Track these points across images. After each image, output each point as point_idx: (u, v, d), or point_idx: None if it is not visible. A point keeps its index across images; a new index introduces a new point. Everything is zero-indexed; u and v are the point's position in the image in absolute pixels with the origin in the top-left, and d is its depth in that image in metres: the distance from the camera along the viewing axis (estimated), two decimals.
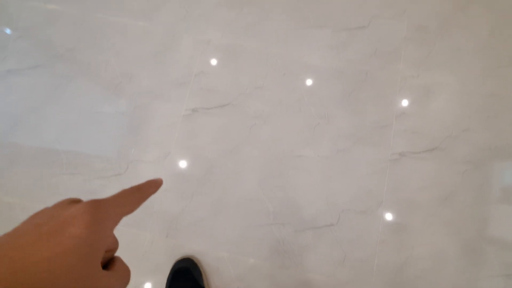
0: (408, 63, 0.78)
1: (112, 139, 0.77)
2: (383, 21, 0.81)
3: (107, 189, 0.74)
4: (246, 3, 0.84)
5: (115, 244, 0.19)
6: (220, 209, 0.73)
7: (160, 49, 0.82)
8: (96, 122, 0.78)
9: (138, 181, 0.69)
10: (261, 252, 0.70)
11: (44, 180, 0.75)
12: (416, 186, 0.72)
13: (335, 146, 0.75)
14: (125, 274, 0.19)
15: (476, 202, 0.70)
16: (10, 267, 0.13)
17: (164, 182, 0.74)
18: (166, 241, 0.71)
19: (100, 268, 0.16)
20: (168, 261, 0.70)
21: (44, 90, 0.80)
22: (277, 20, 0.82)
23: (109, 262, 0.19)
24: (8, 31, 0.85)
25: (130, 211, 0.19)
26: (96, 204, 0.16)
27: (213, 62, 0.81)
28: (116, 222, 0.18)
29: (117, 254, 0.20)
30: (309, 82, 0.79)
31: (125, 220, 0.72)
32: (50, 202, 0.67)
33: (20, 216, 0.74)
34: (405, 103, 0.76)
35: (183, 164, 0.75)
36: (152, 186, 0.22)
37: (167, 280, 0.67)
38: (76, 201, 0.17)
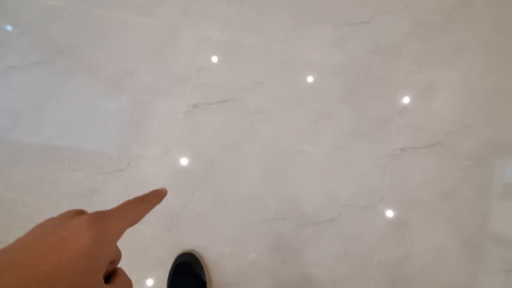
0: (410, 58, 0.78)
1: (113, 135, 0.77)
2: (385, 16, 0.80)
3: (109, 185, 0.75)
4: None
5: (118, 255, 0.19)
6: (222, 204, 0.73)
7: (161, 45, 0.82)
8: (97, 118, 0.78)
9: (140, 177, 0.69)
10: (262, 247, 0.71)
11: (45, 176, 0.76)
12: (417, 181, 0.72)
13: (336, 141, 0.75)
14: (126, 287, 0.19)
15: (477, 198, 0.70)
16: (13, 280, 0.13)
17: (165, 178, 0.75)
18: (168, 236, 0.72)
19: (102, 281, 0.16)
20: (170, 256, 0.70)
21: (45, 86, 0.81)
22: (278, 15, 0.82)
23: (111, 274, 0.19)
24: (9, 27, 0.85)
25: (134, 222, 0.19)
26: (100, 217, 0.16)
27: (214, 57, 0.81)
28: (120, 235, 0.17)
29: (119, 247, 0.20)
30: (310, 77, 0.78)
31: None
32: (52, 198, 0.68)
33: (22, 211, 0.74)
34: (406, 98, 0.76)
35: (184, 159, 0.76)
36: (156, 196, 0.22)
37: (169, 274, 0.68)
38: (80, 213, 0.17)
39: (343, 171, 0.73)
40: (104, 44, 0.82)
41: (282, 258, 0.70)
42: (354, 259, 0.69)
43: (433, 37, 0.78)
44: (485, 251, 0.68)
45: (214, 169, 0.75)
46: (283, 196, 0.73)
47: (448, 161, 0.72)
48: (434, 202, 0.71)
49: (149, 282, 0.70)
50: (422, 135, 0.74)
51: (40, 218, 0.71)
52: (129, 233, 0.74)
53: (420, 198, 0.71)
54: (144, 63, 0.81)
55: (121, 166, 0.76)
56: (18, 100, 0.80)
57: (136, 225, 0.72)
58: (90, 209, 0.74)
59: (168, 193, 0.74)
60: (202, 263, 0.69)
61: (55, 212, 0.73)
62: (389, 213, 0.71)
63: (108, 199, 0.74)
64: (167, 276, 0.69)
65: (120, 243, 0.18)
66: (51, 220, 0.17)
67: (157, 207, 0.73)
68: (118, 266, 0.20)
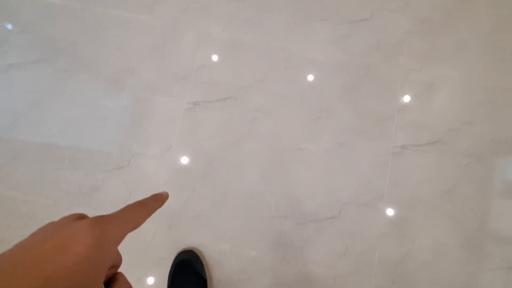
0: (411, 56, 0.77)
1: (114, 133, 0.77)
2: (386, 14, 0.80)
3: (109, 183, 0.75)
4: None
5: (118, 260, 0.19)
6: (222, 202, 0.73)
7: (161, 43, 0.82)
8: (97, 116, 0.78)
9: (140, 175, 0.69)
10: (262, 244, 0.71)
11: (46, 174, 0.76)
12: (417, 179, 0.72)
13: (337, 139, 0.75)
14: None
15: (477, 195, 0.70)
16: (14, 284, 0.13)
17: (166, 176, 0.75)
18: (168, 233, 0.72)
19: (102, 286, 0.16)
20: (171, 253, 0.71)
21: (45, 84, 0.81)
22: (279, 13, 0.82)
23: (112, 279, 0.18)
24: (9, 25, 0.84)
25: (135, 227, 0.19)
26: (101, 221, 0.16)
27: (215, 55, 0.81)
28: (121, 239, 0.17)
29: (119, 249, 0.20)
30: (310, 75, 0.78)
31: None
32: (52, 196, 0.68)
33: (23, 210, 0.74)
34: (407, 96, 0.76)
35: (184, 157, 0.76)
36: (157, 200, 0.21)
37: (170, 272, 0.68)
38: (82, 217, 0.17)
39: (344, 169, 0.73)
40: (104, 42, 0.82)
41: (283, 256, 0.70)
42: (355, 257, 0.69)
43: (433, 35, 0.78)
44: (486, 248, 0.68)
45: (215, 167, 0.75)
46: (283, 194, 0.73)
47: (449, 158, 0.72)
48: (434, 199, 0.71)
49: (150, 280, 0.70)
50: (422, 133, 0.74)
51: (41, 217, 0.72)
52: None
53: (421, 195, 0.71)
54: (144, 61, 0.81)
55: (122, 164, 0.76)
56: (19, 99, 0.80)
57: None
58: (90, 207, 0.74)
59: (169, 191, 0.74)
60: (203, 261, 0.69)
61: (55, 211, 0.73)
62: (390, 211, 0.71)
63: (108, 197, 0.74)
64: (167, 274, 0.69)
65: (121, 242, 0.18)
66: (51, 224, 0.17)
67: None
68: (119, 270, 0.20)
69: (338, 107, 0.76)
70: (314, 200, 0.72)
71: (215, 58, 0.80)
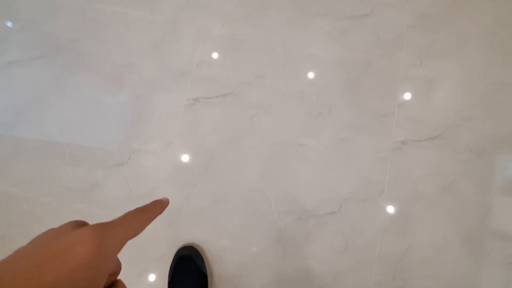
0: (411, 51, 0.77)
1: (114, 129, 0.77)
2: (386, 9, 0.80)
3: (110, 180, 0.75)
4: None
5: (118, 267, 0.19)
6: (223, 198, 0.73)
7: (161, 39, 0.81)
8: (97, 113, 0.78)
9: (140, 171, 0.69)
10: (263, 240, 0.71)
11: (47, 171, 0.76)
12: (418, 174, 0.72)
13: (337, 135, 0.75)
14: None
15: (478, 191, 0.70)
16: None
17: (166, 172, 0.75)
18: (169, 229, 0.72)
19: None
20: (171, 249, 0.71)
21: (46, 81, 0.81)
22: (278, 8, 0.82)
23: (111, 286, 0.19)
24: (9, 22, 0.85)
25: (136, 234, 0.19)
26: (101, 228, 0.16)
27: (214, 51, 0.80)
28: (121, 246, 0.17)
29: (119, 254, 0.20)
30: (310, 71, 0.78)
31: (128, 208, 0.72)
32: (53, 193, 0.68)
33: (24, 206, 0.75)
34: (407, 91, 0.76)
35: (185, 154, 0.76)
36: (158, 206, 0.21)
37: (170, 267, 0.68)
38: (82, 224, 0.17)
39: (344, 164, 0.73)
40: (104, 39, 0.82)
41: (283, 252, 0.70)
42: (355, 252, 0.69)
43: (434, 30, 0.78)
44: (486, 244, 0.68)
45: (215, 163, 0.75)
46: (283, 189, 0.73)
47: (449, 154, 0.72)
48: (435, 195, 0.71)
49: (151, 275, 0.70)
50: (423, 128, 0.74)
51: (42, 214, 0.72)
52: None
53: (421, 191, 0.71)
54: (144, 57, 0.81)
55: (122, 161, 0.76)
56: (19, 96, 0.80)
57: None
58: (91, 203, 0.75)
59: (169, 187, 0.74)
60: (203, 257, 0.69)
61: (56, 207, 0.73)
62: (390, 206, 0.71)
63: (109, 194, 0.74)
64: (168, 269, 0.69)
65: (121, 249, 0.18)
66: (52, 231, 0.17)
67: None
68: (118, 278, 0.20)
69: (338, 103, 0.76)
70: (314, 196, 0.72)
71: (215, 54, 0.80)
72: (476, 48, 0.77)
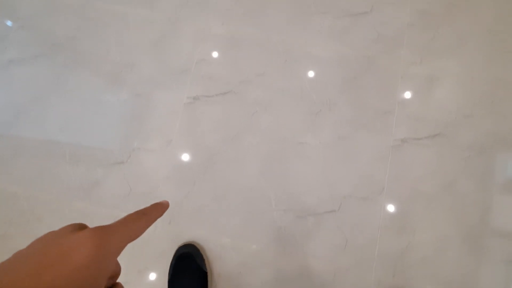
0: (411, 48, 0.77)
1: (114, 128, 0.77)
2: (386, 7, 0.80)
3: (110, 178, 0.75)
4: None
5: (117, 270, 0.19)
6: (222, 196, 0.73)
7: (160, 37, 0.81)
8: (97, 111, 0.78)
9: (140, 169, 0.69)
10: (263, 238, 0.71)
11: (47, 169, 0.76)
12: (418, 172, 0.72)
13: (337, 133, 0.74)
14: None
15: (478, 189, 0.70)
16: None
17: (166, 170, 0.75)
18: (169, 227, 0.72)
19: None
20: (171, 247, 0.71)
21: (45, 79, 0.81)
22: (278, 7, 0.81)
23: None
24: (8, 21, 0.85)
25: (136, 237, 0.19)
26: (101, 232, 0.16)
27: (214, 49, 0.80)
28: (121, 250, 0.17)
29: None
30: (310, 69, 0.78)
31: (128, 207, 0.72)
32: (53, 191, 0.68)
33: (24, 205, 0.75)
34: (407, 89, 0.76)
35: (185, 152, 0.76)
36: (158, 209, 0.21)
37: (170, 265, 0.68)
38: (82, 227, 0.17)
39: (344, 162, 0.73)
40: (104, 37, 0.82)
41: (283, 250, 0.70)
42: (355, 251, 0.69)
43: (434, 27, 0.78)
44: (486, 242, 0.68)
45: (215, 161, 0.75)
46: (283, 187, 0.73)
47: (449, 151, 0.72)
48: (435, 193, 0.71)
49: (151, 273, 0.71)
50: (423, 126, 0.73)
51: (42, 212, 0.72)
52: None
53: (421, 189, 0.71)
54: (144, 55, 0.81)
55: (122, 159, 0.76)
56: (19, 94, 0.80)
57: None
58: (91, 202, 0.75)
59: (169, 185, 0.74)
60: (203, 255, 0.70)
61: (56, 206, 0.74)
62: (390, 205, 0.71)
63: (109, 192, 0.74)
64: (168, 267, 0.70)
65: (121, 252, 0.18)
66: (51, 234, 0.17)
67: (158, 198, 0.73)
68: (118, 281, 0.20)
69: (338, 101, 0.76)
70: (314, 194, 0.72)
71: (214, 52, 0.80)
72: (476, 46, 0.77)
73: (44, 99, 0.80)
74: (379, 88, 0.76)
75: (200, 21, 0.82)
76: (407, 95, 0.75)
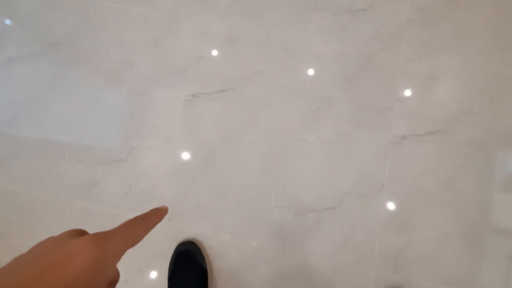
0: (411, 45, 0.77)
1: (113, 125, 0.77)
2: (385, 3, 0.79)
3: (109, 176, 0.75)
4: None
5: (116, 276, 0.20)
6: (222, 193, 0.73)
7: (159, 35, 0.81)
8: (97, 109, 0.78)
9: (140, 167, 0.69)
10: (263, 235, 0.71)
11: (46, 168, 0.76)
12: (418, 169, 0.72)
13: (337, 129, 0.74)
14: None
15: (478, 185, 0.70)
16: None
17: (165, 168, 0.75)
18: (169, 225, 0.72)
19: None
20: (171, 244, 0.71)
21: (45, 77, 0.81)
22: (277, 4, 0.81)
23: None
24: (7, 19, 0.84)
25: (135, 243, 0.19)
26: (101, 238, 0.16)
27: (213, 47, 0.80)
28: (120, 256, 0.17)
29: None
30: (310, 65, 0.78)
31: (128, 205, 0.72)
32: (53, 190, 0.68)
33: (24, 204, 0.75)
34: (407, 86, 0.75)
35: (184, 149, 0.76)
36: (157, 214, 0.22)
37: (170, 263, 0.68)
38: (81, 233, 0.17)
39: (344, 159, 0.73)
40: (103, 35, 0.82)
41: (283, 246, 0.70)
42: (355, 247, 0.69)
43: (433, 23, 0.78)
44: (486, 238, 0.68)
45: (214, 158, 0.75)
46: (283, 184, 0.73)
47: (449, 148, 0.72)
48: (435, 189, 0.71)
49: (151, 270, 0.71)
50: (423, 122, 0.73)
51: (42, 211, 0.72)
52: None
53: (421, 185, 0.71)
54: (143, 53, 0.81)
55: (121, 157, 0.76)
56: (18, 92, 0.80)
57: (138, 214, 0.72)
58: (91, 200, 0.75)
59: (169, 182, 0.74)
60: (203, 251, 0.70)
61: (56, 205, 0.73)
62: (390, 201, 0.71)
63: (109, 190, 0.74)
64: (168, 264, 0.70)
65: (120, 258, 0.18)
66: (51, 239, 0.17)
67: (158, 196, 0.73)
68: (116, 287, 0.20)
69: (338, 98, 0.76)
70: (314, 191, 0.72)
71: (213, 49, 0.80)
72: (476, 42, 0.76)
73: (43, 96, 0.79)
74: (379, 85, 0.76)
75: (199, 18, 0.82)
76: (407, 91, 0.75)
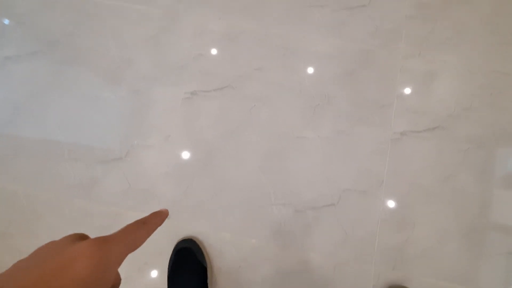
0: (410, 41, 0.77)
1: (113, 124, 0.77)
2: None
3: (109, 175, 0.75)
4: None
5: (118, 281, 0.20)
6: (222, 191, 0.73)
7: (158, 32, 0.81)
8: (96, 107, 0.78)
9: (139, 166, 0.69)
10: (262, 232, 0.71)
11: (46, 167, 0.76)
12: (417, 165, 0.71)
13: (336, 126, 0.74)
14: None
15: (478, 181, 0.70)
16: None
17: (165, 166, 0.75)
18: (168, 223, 0.72)
19: None
20: (171, 243, 0.71)
21: (43, 76, 0.80)
22: (276, 0, 0.81)
23: None
24: (5, 17, 0.84)
25: (136, 247, 0.19)
26: (101, 242, 0.16)
27: (212, 44, 0.80)
28: (121, 260, 0.17)
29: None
30: (309, 62, 0.78)
31: (128, 204, 0.72)
32: (53, 189, 0.68)
33: (24, 203, 0.75)
34: (406, 82, 0.75)
35: (183, 147, 0.75)
36: (158, 217, 0.22)
37: (170, 260, 0.68)
38: (83, 237, 0.17)
39: (343, 156, 0.73)
40: (101, 33, 0.82)
41: (283, 244, 0.70)
42: (354, 244, 0.69)
43: (433, 20, 0.77)
44: (486, 234, 0.68)
45: (213, 156, 0.75)
46: (282, 182, 0.73)
47: (449, 144, 0.72)
48: (434, 186, 0.70)
49: (150, 268, 0.71)
50: (422, 119, 0.73)
51: (42, 210, 0.72)
52: (130, 221, 0.74)
53: (420, 182, 0.71)
54: (141, 51, 0.80)
55: (121, 156, 0.76)
56: (16, 91, 0.80)
57: (138, 213, 0.72)
58: (91, 200, 0.75)
59: (168, 181, 0.74)
60: (203, 249, 0.70)
61: (56, 204, 0.74)
62: (389, 198, 0.71)
63: (108, 189, 0.74)
64: (167, 262, 0.70)
65: (122, 263, 0.18)
66: (52, 244, 0.17)
67: (157, 194, 0.73)
68: None
69: (337, 94, 0.76)
70: (313, 188, 0.72)
71: (212, 46, 0.80)
72: (475, 38, 0.76)
73: (41, 96, 0.79)
74: (378, 81, 0.76)
75: (197, 15, 0.81)
76: (406, 88, 0.75)
